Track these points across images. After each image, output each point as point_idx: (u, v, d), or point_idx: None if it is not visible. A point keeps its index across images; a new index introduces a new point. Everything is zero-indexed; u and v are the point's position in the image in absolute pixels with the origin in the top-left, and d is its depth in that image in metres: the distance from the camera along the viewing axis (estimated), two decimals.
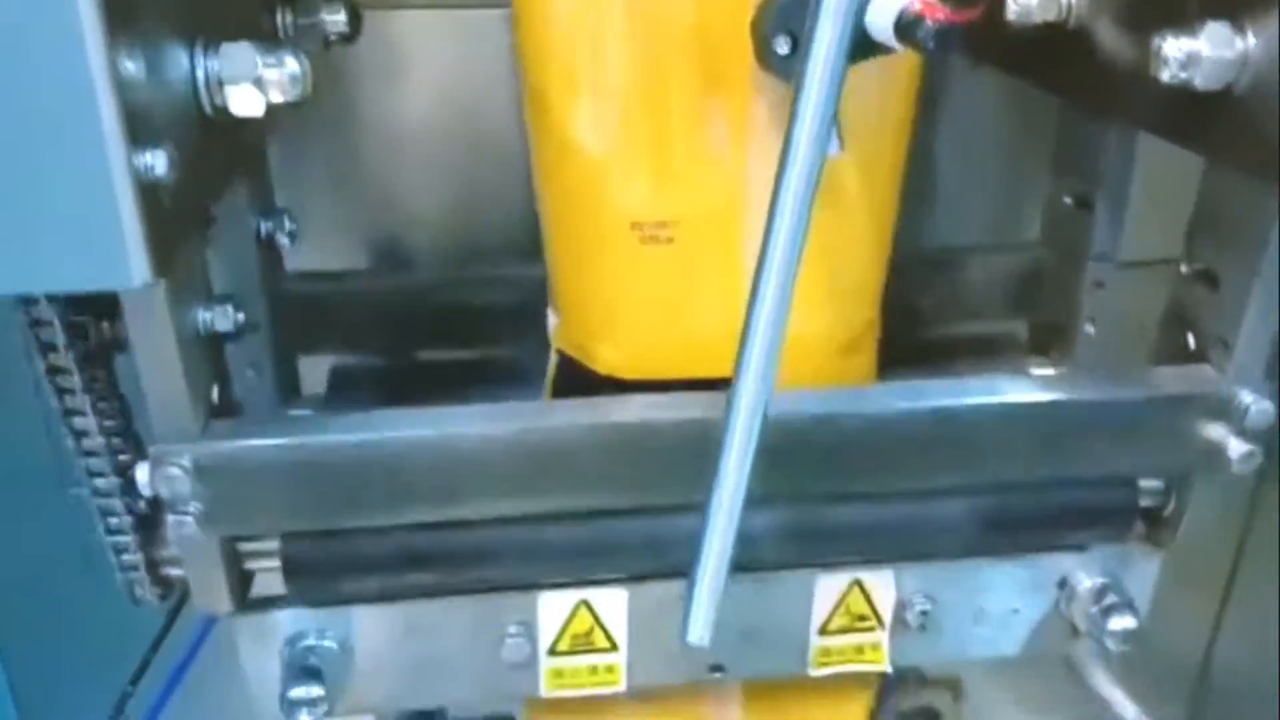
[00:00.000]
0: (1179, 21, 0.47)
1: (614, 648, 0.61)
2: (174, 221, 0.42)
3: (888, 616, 0.62)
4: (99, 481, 0.51)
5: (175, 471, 0.49)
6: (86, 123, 0.36)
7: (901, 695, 0.85)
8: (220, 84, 0.44)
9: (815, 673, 0.63)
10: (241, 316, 0.52)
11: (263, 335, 0.65)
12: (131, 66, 0.38)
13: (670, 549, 0.55)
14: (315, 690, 0.54)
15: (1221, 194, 0.56)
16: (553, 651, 0.60)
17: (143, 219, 0.38)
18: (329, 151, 0.82)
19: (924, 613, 0.62)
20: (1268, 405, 0.55)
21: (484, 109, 0.81)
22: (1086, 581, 0.61)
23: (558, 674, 0.61)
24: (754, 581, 0.59)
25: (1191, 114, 0.49)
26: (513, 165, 0.73)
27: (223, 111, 0.44)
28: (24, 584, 0.88)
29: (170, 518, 0.50)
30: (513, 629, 0.59)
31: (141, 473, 0.50)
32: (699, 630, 0.46)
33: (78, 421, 0.50)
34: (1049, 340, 0.76)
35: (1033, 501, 0.60)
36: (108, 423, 0.51)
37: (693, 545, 0.46)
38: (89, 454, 0.51)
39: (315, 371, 0.76)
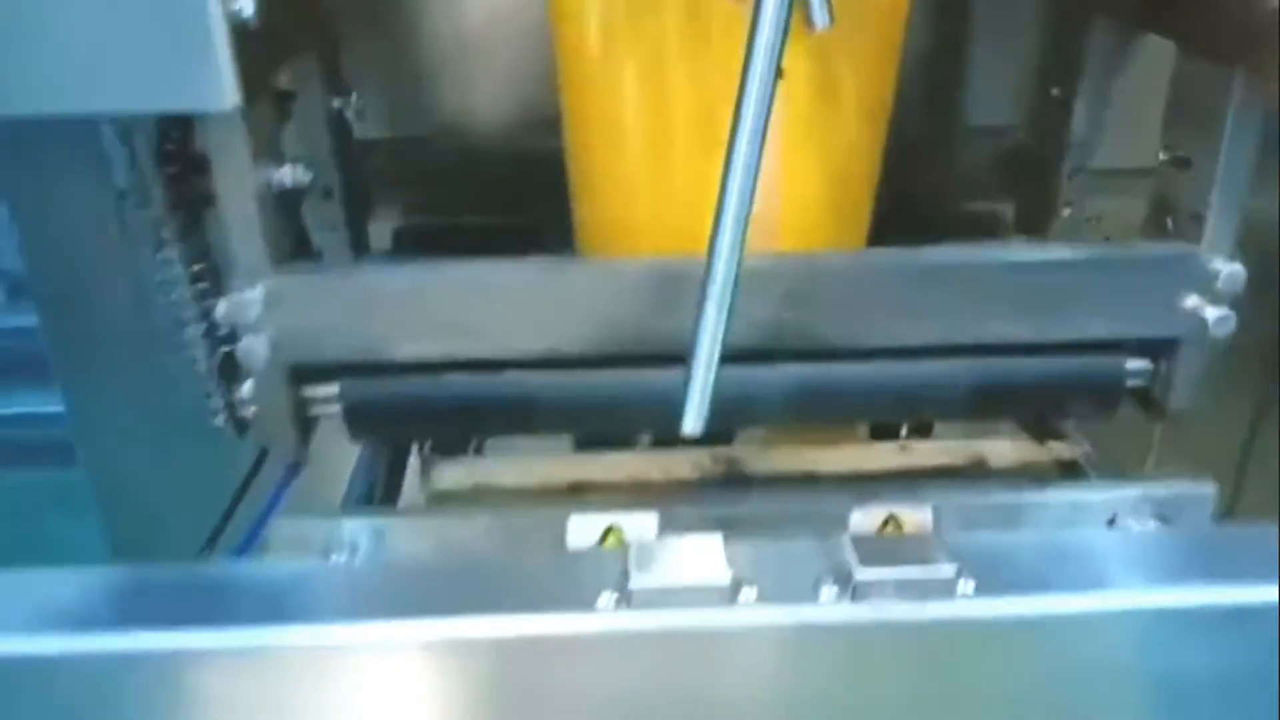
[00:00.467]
0: None
1: None
2: (257, 60, 0.47)
3: None
4: (187, 320, 0.58)
5: (249, 301, 0.55)
6: None
7: None
8: None
9: None
10: (310, 175, 0.58)
11: (335, 200, 0.74)
12: None
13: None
14: None
15: (1190, 82, 0.61)
16: None
17: (233, 50, 0.45)
18: (396, 33, 0.86)
19: None
20: (1238, 267, 0.59)
21: None
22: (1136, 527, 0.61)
23: None
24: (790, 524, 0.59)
25: (1163, 5, 0.57)
26: None
27: None
28: (116, 437, 0.97)
29: (243, 342, 0.56)
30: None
31: (221, 305, 0.56)
32: (693, 422, 0.50)
33: (168, 267, 0.57)
34: (1033, 222, 0.78)
35: (1026, 370, 0.63)
36: (195, 266, 0.57)
37: (687, 347, 0.50)
38: (177, 298, 0.58)
39: (381, 235, 0.82)
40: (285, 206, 0.59)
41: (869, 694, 0.45)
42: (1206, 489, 0.57)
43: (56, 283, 0.91)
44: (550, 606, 0.43)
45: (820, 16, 0.53)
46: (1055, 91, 0.73)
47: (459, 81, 0.87)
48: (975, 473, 0.62)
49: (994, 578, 0.44)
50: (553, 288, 0.59)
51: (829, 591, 0.44)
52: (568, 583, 0.45)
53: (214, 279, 0.59)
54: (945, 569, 0.44)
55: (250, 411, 0.60)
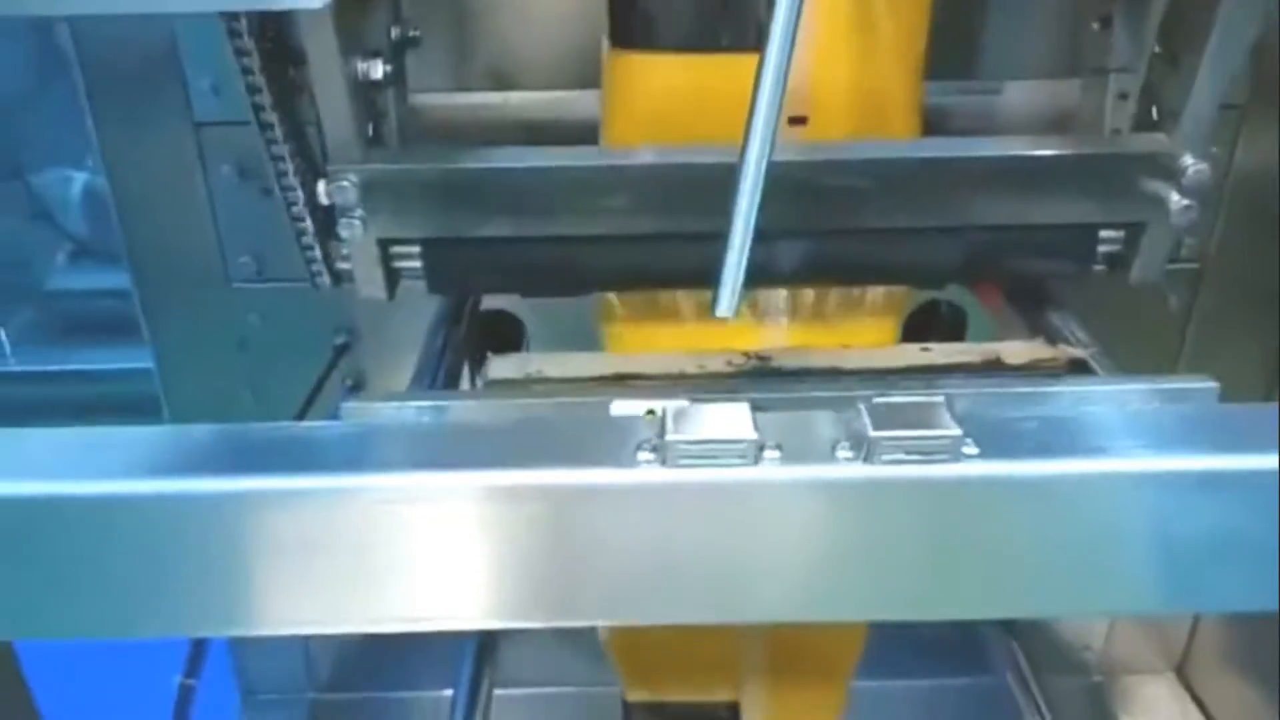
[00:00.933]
0: None
1: None
2: None
3: None
4: (289, 194, 0.67)
5: (345, 185, 0.64)
6: None
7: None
8: None
9: None
10: (390, 68, 0.66)
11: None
12: None
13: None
14: None
15: None
16: None
17: None
18: None
19: None
20: (1205, 166, 0.65)
21: None
22: None
23: None
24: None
25: None
26: None
27: None
28: (188, 365, 1.05)
29: (340, 220, 0.65)
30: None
31: (321, 187, 0.65)
32: (726, 305, 0.55)
33: (274, 148, 0.65)
34: None
35: (1012, 241, 0.70)
36: (294, 145, 0.65)
37: (721, 234, 0.55)
38: (282, 173, 0.66)
39: None
40: (368, 95, 0.66)
41: (879, 545, 0.50)
42: (1209, 384, 0.61)
43: (142, 228, 0.98)
44: (594, 462, 0.49)
45: None
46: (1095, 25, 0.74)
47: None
48: (990, 369, 0.67)
49: (997, 442, 0.49)
50: (614, 172, 0.66)
51: (844, 452, 0.49)
52: (610, 441, 0.50)
53: (311, 162, 0.67)
54: (951, 432, 0.48)
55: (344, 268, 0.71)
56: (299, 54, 0.62)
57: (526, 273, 0.72)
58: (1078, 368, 0.67)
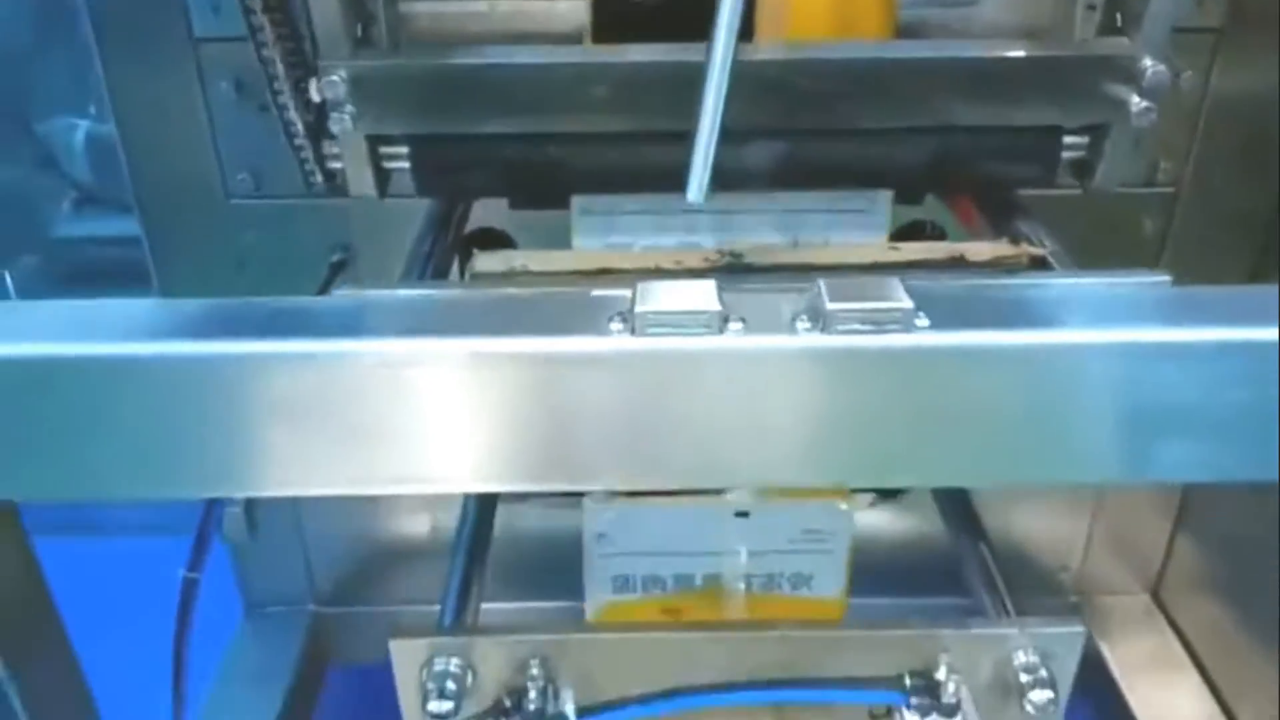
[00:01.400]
0: None
1: None
2: None
3: None
4: (280, 97, 0.69)
5: (335, 80, 0.66)
6: None
7: None
8: None
9: None
10: None
11: None
12: None
13: None
14: None
15: None
16: None
17: None
18: None
19: None
20: (1163, 69, 0.67)
21: None
22: None
23: None
24: None
25: None
26: None
27: None
28: (188, 282, 1.07)
29: (332, 115, 0.67)
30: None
31: (313, 84, 0.67)
32: (695, 191, 0.58)
33: (264, 51, 0.67)
34: None
35: (979, 144, 0.73)
36: (286, 45, 0.67)
37: (691, 122, 0.58)
38: (273, 76, 0.68)
39: None
40: None
41: (838, 413, 0.54)
42: (1164, 277, 0.64)
43: (143, 147, 1.00)
44: (569, 331, 0.52)
45: None
46: None
47: None
48: (953, 265, 0.70)
49: (949, 315, 0.52)
50: (602, 69, 0.69)
51: (803, 323, 0.52)
52: (585, 314, 0.53)
53: (304, 63, 0.69)
54: (904, 304, 0.51)
55: (335, 167, 0.73)
56: None
57: (513, 172, 0.74)
58: (1038, 265, 0.70)
